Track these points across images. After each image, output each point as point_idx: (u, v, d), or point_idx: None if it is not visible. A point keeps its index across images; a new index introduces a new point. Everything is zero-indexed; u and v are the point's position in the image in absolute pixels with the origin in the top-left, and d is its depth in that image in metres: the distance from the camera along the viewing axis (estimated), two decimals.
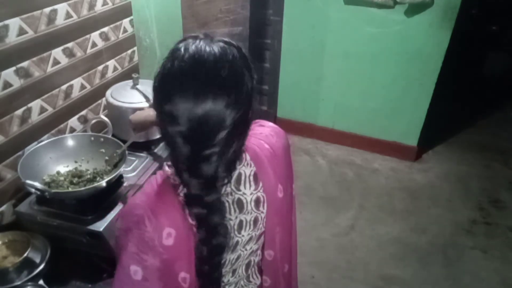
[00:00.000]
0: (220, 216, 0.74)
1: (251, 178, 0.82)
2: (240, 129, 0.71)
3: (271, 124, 0.93)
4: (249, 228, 0.84)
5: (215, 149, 0.68)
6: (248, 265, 0.92)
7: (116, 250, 0.74)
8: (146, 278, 0.71)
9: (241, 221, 0.82)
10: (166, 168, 0.78)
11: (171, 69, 0.66)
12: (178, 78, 0.66)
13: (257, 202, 0.84)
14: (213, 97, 0.64)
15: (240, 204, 0.81)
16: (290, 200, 0.96)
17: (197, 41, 0.68)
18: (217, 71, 0.65)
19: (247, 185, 0.81)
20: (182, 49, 0.67)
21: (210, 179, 0.71)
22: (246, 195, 0.81)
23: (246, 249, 0.87)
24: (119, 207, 1.19)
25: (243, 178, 0.81)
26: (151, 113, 1.28)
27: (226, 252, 0.79)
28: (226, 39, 0.70)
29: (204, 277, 0.78)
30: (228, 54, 0.67)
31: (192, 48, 0.66)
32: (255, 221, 0.84)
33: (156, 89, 0.69)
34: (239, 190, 0.81)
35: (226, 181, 0.75)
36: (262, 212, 0.86)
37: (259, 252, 0.93)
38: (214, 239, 0.74)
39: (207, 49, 0.66)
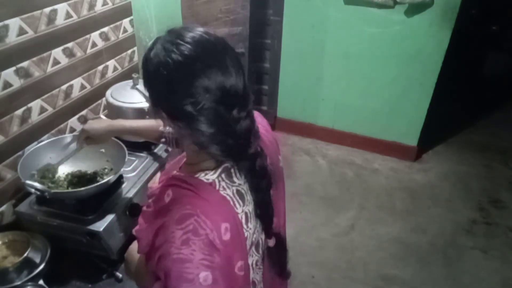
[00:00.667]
0: (263, 160, 0.81)
1: None
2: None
3: None
4: None
5: (247, 108, 0.76)
6: (257, 246, 0.93)
7: (168, 270, 0.71)
8: (216, 280, 0.71)
9: None
10: (180, 173, 0.82)
11: (190, 52, 0.71)
12: (203, 57, 0.72)
13: None
14: (232, 64, 0.73)
15: None
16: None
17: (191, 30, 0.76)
18: (226, 45, 0.77)
19: None
20: (191, 36, 0.73)
21: (249, 133, 0.77)
22: None
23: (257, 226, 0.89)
24: (120, 206, 1.18)
25: None
26: (115, 123, 1.19)
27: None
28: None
29: (262, 217, 0.84)
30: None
31: (195, 33, 0.74)
32: None
33: (179, 74, 0.71)
34: None
35: (258, 134, 0.82)
36: None
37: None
38: (263, 180, 0.82)
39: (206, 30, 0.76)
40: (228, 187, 0.79)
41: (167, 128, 0.79)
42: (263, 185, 0.82)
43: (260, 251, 0.93)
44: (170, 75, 0.72)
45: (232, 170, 0.81)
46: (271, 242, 0.92)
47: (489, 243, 2.38)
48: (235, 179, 0.81)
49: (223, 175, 0.79)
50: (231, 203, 0.78)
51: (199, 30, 0.75)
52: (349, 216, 2.54)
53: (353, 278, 2.14)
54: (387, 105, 2.92)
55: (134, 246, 0.95)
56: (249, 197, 0.82)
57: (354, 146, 3.15)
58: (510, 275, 2.19)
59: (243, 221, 0.80)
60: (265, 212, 0.85)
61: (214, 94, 0.71)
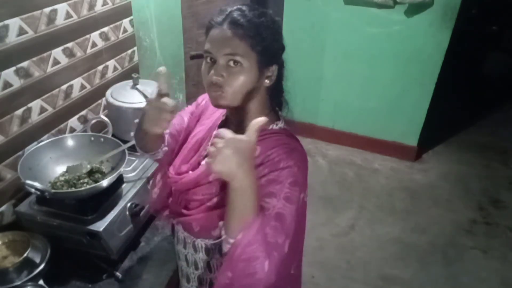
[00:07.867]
0: None
1: None
2: None
3: None
4: None
5: None
6: None
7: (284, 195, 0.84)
8: (305, 199, 0.90)
9: None
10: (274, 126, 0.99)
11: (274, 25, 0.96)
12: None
13: None
14: None
15: None
16: None
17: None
18: None
19: None
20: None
21: None
22: None
23: None
24: (120, 206, 1.18)
25: None
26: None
27: None
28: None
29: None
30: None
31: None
32: None
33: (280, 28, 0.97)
34: None
35: None
36: None
37: None
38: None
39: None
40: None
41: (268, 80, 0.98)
42: None
43: None
44: (278, 31, 0.96)
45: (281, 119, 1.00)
46: None
47: (489, 243, 2.38)
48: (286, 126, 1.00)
49: (284, 123, 1.00)
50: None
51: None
52: (349, 216, 2.54)
53: (353, 278, 2.14)
54: (387, 105, 2.92)
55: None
56: None
57: (354, 146, 3.15)
58: (510, 275, 2.19)
59: None
60: None
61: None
